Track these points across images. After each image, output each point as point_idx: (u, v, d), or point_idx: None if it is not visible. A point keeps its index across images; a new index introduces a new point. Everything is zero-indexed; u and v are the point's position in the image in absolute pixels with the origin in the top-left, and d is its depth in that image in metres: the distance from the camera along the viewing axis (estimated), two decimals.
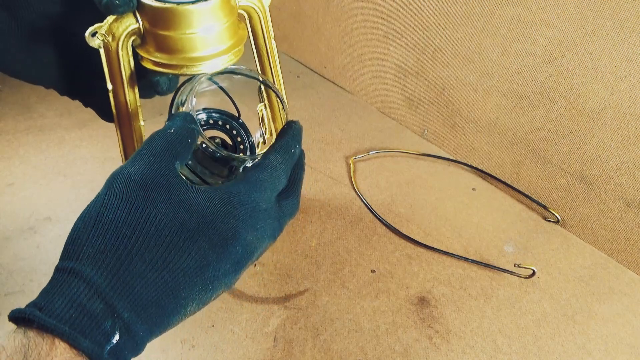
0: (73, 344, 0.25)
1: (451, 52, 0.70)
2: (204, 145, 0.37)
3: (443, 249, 0.59)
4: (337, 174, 0.70)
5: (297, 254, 0.57)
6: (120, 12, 0.32)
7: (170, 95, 0.37)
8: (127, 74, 0.35)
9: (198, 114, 0.41)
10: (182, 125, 0.32)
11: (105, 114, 0.40)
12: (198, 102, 0.40)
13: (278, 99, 0.41)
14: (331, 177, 0.69)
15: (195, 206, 0.29)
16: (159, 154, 0.30)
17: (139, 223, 0.28)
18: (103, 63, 0.34)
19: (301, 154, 0.38)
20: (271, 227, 0.33)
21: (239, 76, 0.38)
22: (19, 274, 0.52)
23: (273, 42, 0.41)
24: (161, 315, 0.28)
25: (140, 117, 0.37)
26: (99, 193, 0.30)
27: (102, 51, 0.34)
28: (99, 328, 0.25)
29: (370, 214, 0.63)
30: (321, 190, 0.67)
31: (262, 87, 0.42)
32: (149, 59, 0.34)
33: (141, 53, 0.34)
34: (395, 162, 0.73)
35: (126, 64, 0.35)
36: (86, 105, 0.42)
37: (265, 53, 0.41)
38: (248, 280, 0.54)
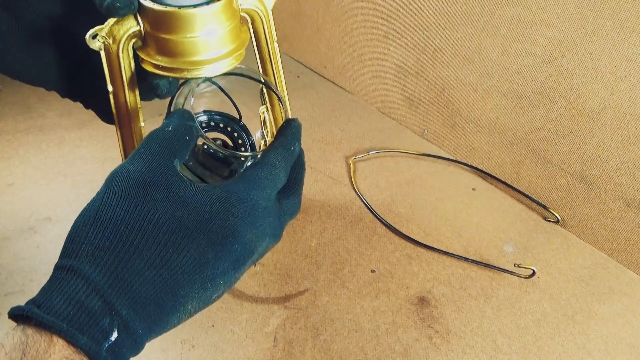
0: (71, 340, 0.25)
1: (451, 52, 0.70)
2: (205, 147, 0.37)
3: (443, 249, 0.59)
4: (337, 174, 0.70)
5: (297, 254, 0.57)
6: (121, 15, 0.32)
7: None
8: (128, 76, 0.35)
9: (199, 116, 0.41)
10: (179, 123, 0.32)
11: (106, 115, 0.40)
12: (199, 103, 0.40)
13: (280, 102, 0.41)
14: (331, 177, 0.69)
15: (193, 204, 0.29)
16: (157, 152, 0.30)
17: (137, 221, 0.28)
18: (103, 65, 0.34)
19: (301, 153, 0.38)
20: (271, 225, 0.33)
21: (240, 77, 0.38)
22: (19, 274, 0.52)
23: (276, 44, 0.41)
24: (160, 313, 0.28)
25: (141, 118, 0.37)
26: (98, 192, 0.30)
27: (102, 53, 0.34)
28: (97, 325, 0.25)
29: (370, 214, 0.63)
30: (321, 190, 0.67)
31: (264, 89, 0.42)
32: (150, 62, 0.34)
33: (142, 56, 0.34)
34: (395, 162, 0.73)
35: (127, 66, 0.35)
36: (87, 107, 0.42)
37: (267, 56, 0.41)
38: (248, 280, 0.54)
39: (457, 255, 0.58)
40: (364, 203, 0.65)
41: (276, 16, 0.41)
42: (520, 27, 0.61)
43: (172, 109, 0.35)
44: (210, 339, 0.48)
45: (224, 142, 0.42)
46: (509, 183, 0.69)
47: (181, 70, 0.33)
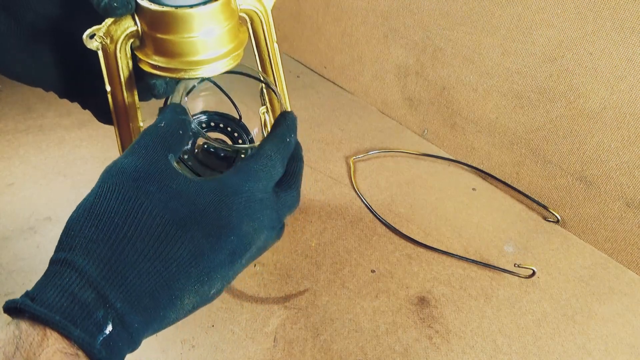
0: (64, 333, 0.24)
1: (451, 52, 0.70)
2: (206, 146, 0.37)
3: (443, 249, 0.59)
4: (337, 174, 0.70)
5: (297, 254, 0.57)
6: (118, 15, 0.32)
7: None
8: (125, 76, 0.35)
9: (199, 117, 0.41)
10: (172, 118, 0.32)
11: (103, 115, 0.40)
12: (198, 103, 0.40)
13: (280, 103, 0.41)
14: (331, 177, 0.69)
15: (187, 196, 0.29)
16: (151, 147, 0.30)
17: (130, 213, 0.28)
18: (101, 65, 0.34)
19: (298, 147, 0.37)
20: (269, 217, 0.32)
21: (239, 75, 0.38)
22: (19, 274, 0.52)
23: (275, 45, 0.40)
24: (156, 307, 0.27)
25: (140, 118, 0.37)
26: (93, 187, 0.30)
27: (100, 53, 0.34)
28: (90, 318, 0.25)
29: (370, 214, 0.63)
30: (321, 190, 0.67)
31: (264, 89, 0.41)
32: (147, 62, 0.34)
33: (139, 55, 0.34)
34: (395, 162, 0.73)
35: (124, 66, 0.35)
36: (85, 107, 0.42)
37: (267, 56, 0.40)
38: (248, 280, 0.54)
39: (457, 255, 0.58)
40: (364, 203, 0.65)
41: (276, 16, 0.40)
42: (520, 27, 0.61)
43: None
44: (210, 339, 0.48)
45: (223, 142, 0.42)
46: (509, 183, 0.69)
47: (179, 70, 0.33)
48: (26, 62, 0.37)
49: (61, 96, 0.41)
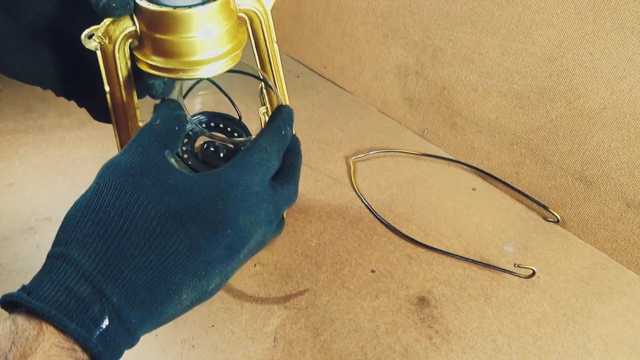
0: (59, 327, 0.24)
1: (451, 52, 0.70)
2: (205, 146, 0.37)
3: (443, 249, 0.59)
4: (337, 174, 0.70)
5: (297, 254, 0.57)
6: (117, 15, 0.32)
7: None
8: (124, 76, 0.35)
9: (199, 117, 0.41)
10: (167, 114, 0.33)
11: (101, 114, 0.40)
12: (198, 104, 0.40)
13: (279, 102, 0.41)
14: (331, 177, 0.69)
15: (182, 190, 0.29)
16: (147, 144, 0.31)
17: (126, 207, 0.28)
18: (100, 65, 0.34)
19: (296, 141, 0.37)
20: (266, 211, 0.32)
21: (238, 73, 0.38)
22: (19, 274, 0.52)
23: (275, 45, 0.40)
24: (153, 302, 0.27)
25: (139, 117, 0.37)
26: (90, 185, 0.30)
27: (98, 53, 0.34)
28: (86, 312, 0.25)
29: (370, 214, 0.63)
30: (321, 190, 0.67)
31: (264, 89, 0.41)
32: (146, 62, 0.34)
33: (138, 56, 0.34)
34: (395, 162, 0.73)
35: (123, 66, 0.35)
36: (80, 106, 0.42)
37: (266, 57, 0.40)
38: (248, 280, 0.54)
39: (457, 255, 0.58)
40: (364, 203, 0.65)
41: (276, 16, 0.40)
42: (520, 27, 0.61)
43: None
44: (210, 339, 0.48)
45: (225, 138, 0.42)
46: (509, 183, 0.68)
47: (177, 70, 0.33)
48: (26, 62, 0.37)
49: (58, 95, 0.41)
